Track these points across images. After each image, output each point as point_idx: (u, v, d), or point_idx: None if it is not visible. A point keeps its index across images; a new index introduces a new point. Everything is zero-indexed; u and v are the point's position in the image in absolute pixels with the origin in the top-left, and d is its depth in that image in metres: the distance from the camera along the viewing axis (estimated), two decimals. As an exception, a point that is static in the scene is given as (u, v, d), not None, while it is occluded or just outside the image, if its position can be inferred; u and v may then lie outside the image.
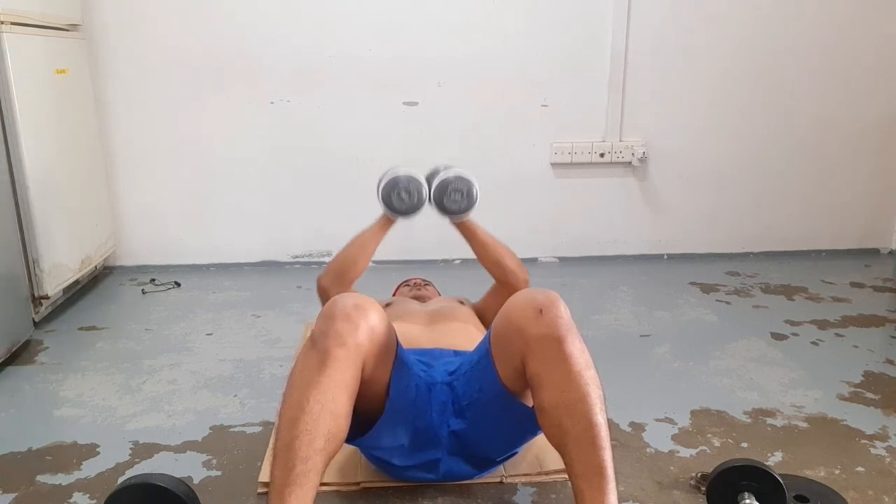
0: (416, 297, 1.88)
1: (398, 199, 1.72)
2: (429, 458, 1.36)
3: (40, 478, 1.48)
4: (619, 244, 3.09)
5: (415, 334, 1.55)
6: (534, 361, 1.19)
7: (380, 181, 1.75)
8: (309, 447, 1.10)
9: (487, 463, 1.42)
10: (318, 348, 1.15)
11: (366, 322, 1.18)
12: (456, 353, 1.49)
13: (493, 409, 1.30)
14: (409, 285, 2.06)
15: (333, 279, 1.77)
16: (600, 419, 1.17)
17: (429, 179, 1.77)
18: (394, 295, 2.06)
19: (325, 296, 1.78)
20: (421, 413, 1.31)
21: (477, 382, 1.31)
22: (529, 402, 1.26)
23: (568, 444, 1.16)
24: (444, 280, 2.35)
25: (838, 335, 2.24)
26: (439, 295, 2.05)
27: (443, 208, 1.76)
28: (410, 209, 1.74)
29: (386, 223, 1.80)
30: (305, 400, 1.12)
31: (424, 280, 2.09)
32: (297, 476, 1.09)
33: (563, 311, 1.21)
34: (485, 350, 1.31)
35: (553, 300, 1.22)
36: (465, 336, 1.57)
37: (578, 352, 1.19)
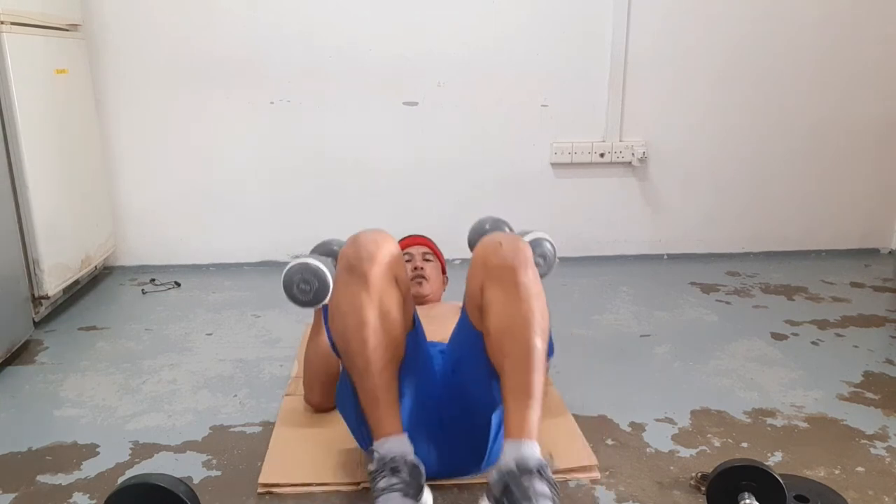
0: (415, 297, 1.85)
1: (301, 293, 1.53)
2: (428, 416, 1.39)
3: (40, 478, 1.48)
4: (619, 244, 3.10)
5: None
6: (489, 289, 1.30)
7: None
8: (383, 360, 1.27)
9: (482, 415, 1.41)
10: (356, 273, 1.29)
11: (388, 245, 1.33)
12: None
13: (472, 352, 1.37)
14: (409, 257, 1.93)
15: (318, 392, 1.69)
16: (538, 344, 1.25)
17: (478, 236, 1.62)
18: None
19: (320, 409, 1.71)
20: (424, 365, 1.42)
21: (458, 340, 1.44)
22: None
23: (505, 365, 1.26)
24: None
25: (838, 335, 2.24)
26: (442, 264, 2.00)
27: None
28: (319, 296, 1.53)
29: (319, 314, 1.65)
30: (366, 324, 1.26)
31: (425, 252, 1.96)
32: (380, 389, 1.26)
33: (523, 246, 1.32)
34: (463, 312, 1.41)
35: (514, 237, 1.35)
36: None
37: (530, 281, 1.28)
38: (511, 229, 1.72)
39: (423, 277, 1.88)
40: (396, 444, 1.25)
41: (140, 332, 2.29)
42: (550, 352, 1.38)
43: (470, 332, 1.37)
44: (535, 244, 1.56)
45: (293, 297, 1.56)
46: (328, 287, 1.54)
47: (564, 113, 2.92)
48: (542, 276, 1.55)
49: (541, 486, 1.14)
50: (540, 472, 1.16)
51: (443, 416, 1.41)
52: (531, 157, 2.96)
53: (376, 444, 1.26)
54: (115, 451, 1.58)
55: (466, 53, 2.83)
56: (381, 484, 1.21)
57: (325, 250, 1.77)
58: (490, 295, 1.29)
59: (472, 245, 1.63)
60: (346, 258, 1.31)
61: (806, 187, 3.10)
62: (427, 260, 1.94)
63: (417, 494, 1.23)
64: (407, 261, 1.92)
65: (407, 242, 1.99)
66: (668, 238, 3.11)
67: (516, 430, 1.22)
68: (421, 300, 1.86)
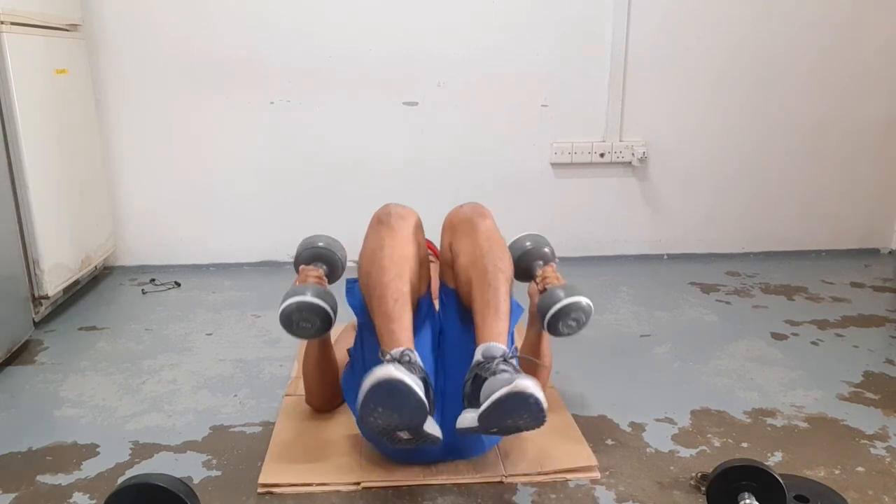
0: None
1: (301, 330, 1.51)
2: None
3: (40, 478, 1.48)
4: (619, 244, 3.10)
5: None
6: (456, 240, 1.49)
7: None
8: (399, 289, 1.37)
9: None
10: (385, 224, 1.46)
11: (414, 216, 1.52)
12: None
13: (451, 311, 1.52)
14: None
15: (319, 398, 1.68)
16: (497, 264, 1.42)
17: (522, 258, 1.63)
18: None
19: (322, 411, 1.70)
20: (428, 335, 1.50)
21: (441, 310, 1.56)
22: None
23: (472, 291, 1.41)
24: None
25: (838, 335, 2.24)
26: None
27: (552, 329, 1.54)
28: (321, 330, 1.52)
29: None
30: (387, 257, 1.40)
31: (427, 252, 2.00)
32: (395, 312, 1.35)
33: (482, 205, 1.53)
34: (441, 283, 1.56)
35: (476, 202, 1.55)
36: None
37: (489, 228, 1.47)
38: (552, 250, 1.70)
39: None
40: (410, 350, 1.31)
41: (140, 332, 2.29)
42: (517, 311, 1.53)
43: (447, 293, 1.51)
44: (573, 307, 1.50)
45: (294, 335, 1.53)
46: (331, 320, 1.50)
47: (564, 113, 2.92)
48: (569, 335, 1.55)
49: (504, 366, 1.27)
50: (504, 357, 1.29)
51: (445, 387, 1.44)
52: (531, 157, 2.96)
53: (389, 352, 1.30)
54: (115, 451, 1.58)
55: (466, 53, 2.83)
56: None
57: (313, 254, 1.70)
58: (456, 246, 1.48)
59: (550, 322, 1.55)
60: (378, 215, 1.49)
61: (806, 187, 3.10)
62: (429, 260, 1.95)
63: (421, 386, 1.23)
64: None
65: None
66: (668, 238, 3.11)
67: (482, 337, 1.35)
68: None
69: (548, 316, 1.51)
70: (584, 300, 1.51)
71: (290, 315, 1.48)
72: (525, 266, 1.66)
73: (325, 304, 1.48)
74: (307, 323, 1.49)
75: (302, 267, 1.67)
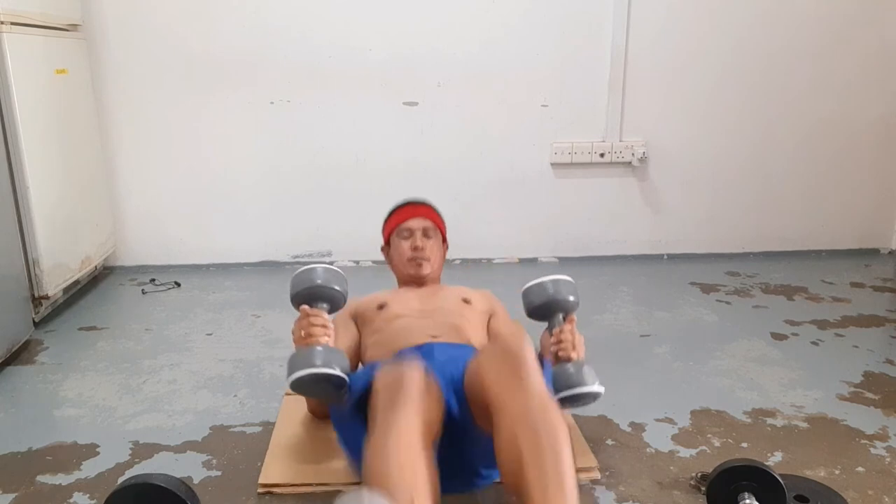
0: (414, 278, 1.72)
1: (315, 395, 1.51)
2: None
3: (40, 478, 1.48)
4: (619, 244, 3.09)
5: (410, 330, 1.54)
6: (491, 393, 1.20)
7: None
8: (413, 481, 1.07)
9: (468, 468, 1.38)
10: (391, 401, 1.19)
11: (418, 382, 1.23)
12: (452, 345, 1.48)
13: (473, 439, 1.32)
14: (409, 233, 1.75)
15: (318, 412, 1.65)
16: (554, 419, 1.14)
17: (542, 306, 1.51)
18: (388, 235, 1.81)
19: (324, 417, 1.65)
20: None
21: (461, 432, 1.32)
22: None
23: (521, 458, 1.09)
24: (442, 280, 2.34)
25: (838, 335, 2.24)
26: (443, 233, 1.82)
27: (562, 401, 1.42)
28: (337, 389, 1.40)
29: None
30: (392, 456, 1.10)
31: (426, 227, 1.76)
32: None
33: (521, 340, 1.27)
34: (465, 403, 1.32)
35: (514, 334, 1.33)
36: (460, 332, 1.55)
37: (533, 376, 1.20)
38: (577, 297, 1.52)
39: (424, 258, 1.71)
40: None
41: (140, 332, 2.29)
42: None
43: (475, 432, 1.30)
44: (585, 396, 1.42)
45: (314, 395, 1.52)
46: (345, 383, 1.40)
47: (564, 113, 2.92)
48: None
49: None
50: None
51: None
52: (531, 157, 2.96)
53: None
54: (115, 451, 1.58)
55: (466, 53, 2.82)
56: None
57: (312, 294, 1.52)
58: (492, 400, 1.20)
59: (529, 308, 1.51)
60: (379, 387, 1.25)
61: (806, 187, 3.10)
62: (427, 237, 1.75)
63: None
64: (406, 237, 1.75)
65: (405, 213, 1.78)
66: (668, 238, 3.11)
67: None
68: (420, 282, 1.73)
69: (555, 397, 1.37)
70: (595, 388, 1.42)
71: (302, 386, 1.40)
72: (543, 314, 1.54)
73: (337, 372, 1.36)
74: (319, 388, 1.40)
75: (303, 309, 1.47)
